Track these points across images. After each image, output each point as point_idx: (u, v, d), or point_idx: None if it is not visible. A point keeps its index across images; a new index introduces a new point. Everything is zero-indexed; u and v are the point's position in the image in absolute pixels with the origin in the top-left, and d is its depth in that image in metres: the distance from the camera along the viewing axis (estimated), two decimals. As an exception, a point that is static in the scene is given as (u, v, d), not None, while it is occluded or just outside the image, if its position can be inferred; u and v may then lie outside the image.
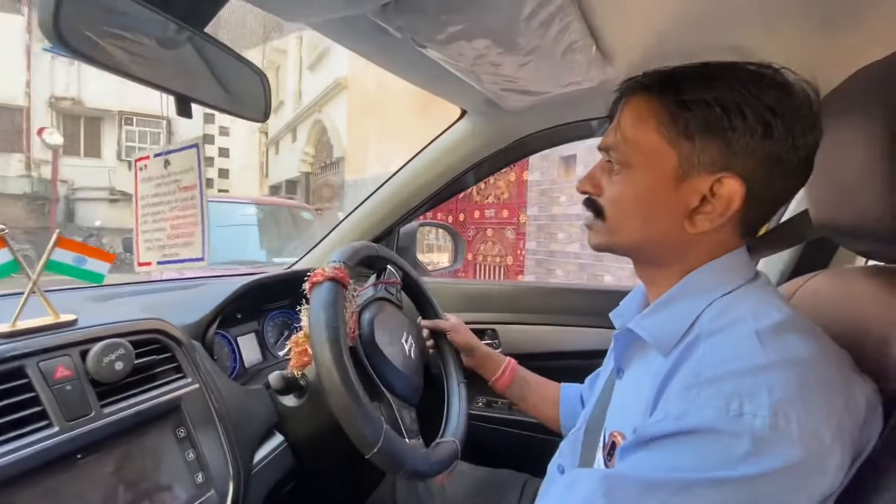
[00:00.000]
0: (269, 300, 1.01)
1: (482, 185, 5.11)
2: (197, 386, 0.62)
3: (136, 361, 0.56)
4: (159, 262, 0.59)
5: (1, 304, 0.65)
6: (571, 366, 1.06)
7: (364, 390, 0.56)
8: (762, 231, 0.75)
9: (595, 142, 0.57)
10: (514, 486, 0.85)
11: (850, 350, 0.42)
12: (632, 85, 0.49)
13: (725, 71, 0.44)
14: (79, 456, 0.49)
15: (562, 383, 0.81)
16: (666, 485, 0.35)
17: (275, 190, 14.41)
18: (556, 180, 4.53)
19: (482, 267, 5.26)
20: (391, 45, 0.67)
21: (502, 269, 5.11)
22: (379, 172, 7.60)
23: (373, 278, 0.83)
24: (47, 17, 0.42)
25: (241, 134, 15.93)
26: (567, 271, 4.45)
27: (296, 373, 0.69)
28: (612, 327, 0.58)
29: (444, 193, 1.16)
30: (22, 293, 0.54)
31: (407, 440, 0.61)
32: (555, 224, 4.57)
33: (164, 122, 12.97)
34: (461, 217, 5.39)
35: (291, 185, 13.01)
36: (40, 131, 10.42)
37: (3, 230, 0.52)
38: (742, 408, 0.34)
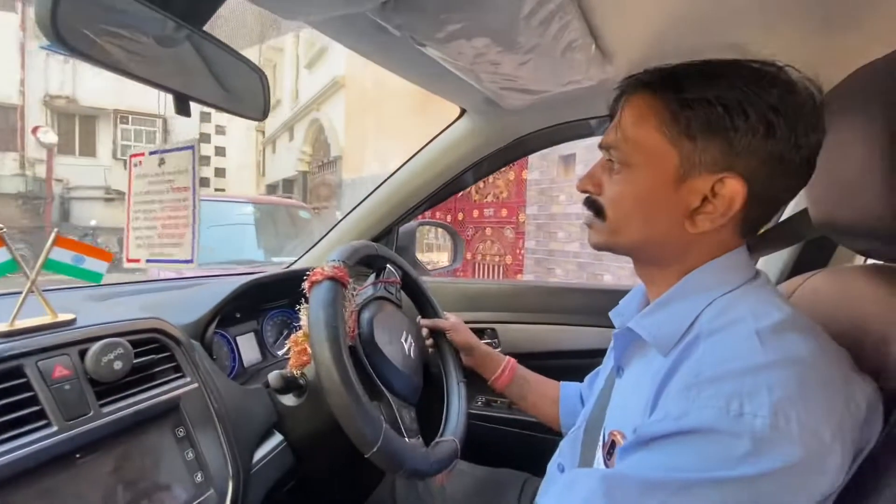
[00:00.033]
0: (268, 299, 1.01)
1: (481, 184, 5.11)
2: (196, 385, 0.62)
3: (134, 361, 0.56)
4: (148, 260, 0.59)
5: None
6: (571, 365, 1.06)
7: (363, 389, 0.56)
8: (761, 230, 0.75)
9: (594, 141, 0.57)
10: (513, 485, 0.85)
11: (850, 349, 0.42)
12: (633, 83, 0.48)
13: (727, 69, 0.44)
14: (77, 456, 0.49)
15: (561, 382, 0.82)
16: (666, 485, 0.35)
17: (272, 189, 14.40)
18: (556, 179, 4.54)
19: (481, 266, 5.26)
20: (390, 44, 0.67)
21: (501, 268, 5.11)
22: (377, 171, 7.60)
23: (372, 277, 0.83)
24: (45, 15, 0.42)
25: (237, 133, 15.90)
26: (567, 270, 4.45)
27: (295, 372, 0.69)
28: (612, 326, 0.59)
29: (443, 193, 1.16)
30: (20, 292, 0.54)
31: (406, 439, 0.61)
32: (554, 223, 4.57)
33: (160, 120, 12.95)
34: (460, 216, 5.39)
35: (288, 184, 13.00)
36: (35, 130, 10.38)
37: (2, 229, 0.52)
38: (742, 407, 0.34)
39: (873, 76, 0.45)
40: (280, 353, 0.95)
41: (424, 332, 0.87)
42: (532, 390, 0.82)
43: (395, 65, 0.81)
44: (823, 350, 0.39)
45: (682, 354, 0.42)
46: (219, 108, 0.59)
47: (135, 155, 0.60)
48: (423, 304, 0.89)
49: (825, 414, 0.35)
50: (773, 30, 0.63)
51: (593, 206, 0.51)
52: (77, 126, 12.59)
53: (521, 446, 1.06)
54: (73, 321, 0.57)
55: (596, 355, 0.74)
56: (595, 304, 1.09)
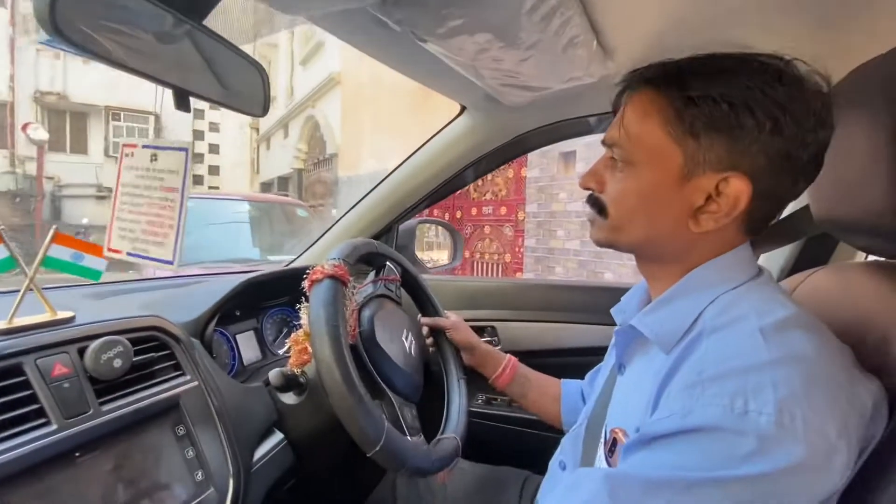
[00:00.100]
0: (267, 297, 1.01)
1: (480, 181, 5.11)
2: (196, 383, 0.62)
3: (134, 359, 0.57)
4: (129, 253, 0.59)
5: None
6: (571, 362, 1.06)
7: (365, 388, 0.57)
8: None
9: (594, 138, 0.57)
10: (514, 483, 0.86)
11: (852, 346, 0.42)
12: (636, 78, 0.48)
13: (733, 64, 0.43)
14: (77, 454, 0.49)
15: (562, 380, 0.82)
16: (671, 484, 0.35)
17: (266, 187, 14.36)
18: (556, 177, 4.54)
19: (479, 264, 5.27)
20: (391, 40, 0.68)
21: (500, 266, 5.12)
22: (373, 169, 7.59)
23: (372, 275, 0.84)
24: (43, 9, 0.42)
25: (231, 130, 15.85)
26: (567, 268, 4.46)
27: (295, 370, 0.69)
28: (613, 324, 0.59)
29: (443, 190, 1.16)
30: (18, 290, 0.54)
31: (409, 438, 0.61)
32: (554, 221, 4.58)
33: (153, 117, 12.89)
34: (458, 214, 5.39)
35: (283, 182, 12.97)
36: (25, 127, 10.32)
37: (0, 227, 0.52)
38: (747, 405, 0.34)
39: (875, 73, 0.45)
40: (281, 352, 0.96)
41: (425, 330, 0.88)
42: (533, 388, 0.83)
43: (394, 61, 0.81)
44: (828, 347, 0.40)
45: (685, 352, 0.42)
46: (218, 104, 0.59)
47: (127, 145, 0.59)
48: (423, 301, 0.90)
49: (830, 412, 0.35)
50: (775, 27, 0.64)
51: (596, 203, 0.51)
52: (68, 123, 12.52)
53: (521, 444, 1.07)
54: (72, 319, 0.57)
55: (596, 353, 0.75)
56: (595, 302, 1.10)
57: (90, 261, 0.58)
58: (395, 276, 0.84)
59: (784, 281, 0.63)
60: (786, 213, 0.79)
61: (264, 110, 0.63)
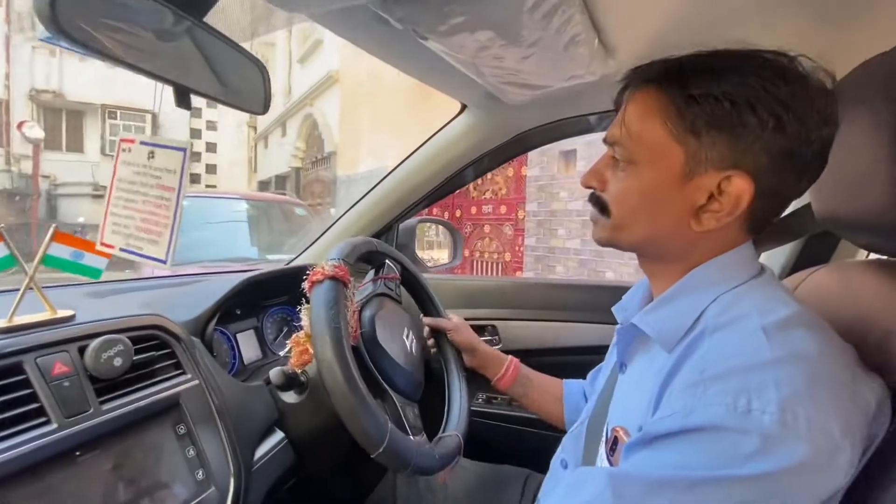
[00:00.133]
0: (268, 296, 1.01)
1: (479, 180, 5.11)
2: (197, 382, 0.62)
3: (134, 358, 0.57)
4: (122, 249, 0.59)
5: None
6: (572, 362, 1.07)
7: (367, 389, 0.57)
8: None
9: (595, 137, 0.57)
10: (515, 481, 0.86)
11: (854, 345, 0.42)
12: (638, 76, 0.47)
13: (735, 62, 0.43)
14: (77, 453, 0.49)
15: (564, 380, 0.82)
16: (674, 483, 0.35)
17: (264, 186, 14.35)
18: (556, 176, 4.55)
19: (479, 263, 5.27)
20: (392, 37, 0.68)
21: (500, 265, 5.12)
22: (372, 168, 7.59)
23: (371, 273, 0.84)
24: (44, 6, 0.42)
25: (228, 128, 15.84)
26: (567, 267, 4.47)
27: (296, 369, 0.69)
28: (614, 323, 0.59)
29: (443, 189, 1.17)
30: (18, 289, 0.54)
31: (412, 437, 0.62)
32: (555, 220, 4.59)
33: (150, 115, 12.86)
34: (458, 213, 5.40)
35: (281, 181, 12.96)
36: (20, 125, 10.28)
37: (0, 225, 0.52)
38: (750, 404, 0.34)
39: (878, 70, 0.45)
40: (282, 353, 0.96)
41: (426, 331, 0.88)
42: (535, 389, 0.83)
43: (395, 59, 0.81)
44: (830, 346, 0.40)
45: (687, 351, 0.42)
46: (219, 101, 0.59)
47: (124, 140, 0.59)
48: (423, 299, 0.90)
49: (834, 411, 0.35)
50: (778, 24, 0.64)
51: (598, 202, 0.51)
52: (64, 121, 12.50)
53: (522, 443, 1.07)
54: (72, 317, 0.57)
55: (597, 352, 0.75)
56: (596, 301, 1.10)
57: (90, 259, 0.59)
58: (395, 275, 0.84)
59: (785, 279, 0.63)
60: (787, 211, 0.80)
61: (265, 108, 0.63)
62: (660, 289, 0.50)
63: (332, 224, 1.24)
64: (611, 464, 0.49)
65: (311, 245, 1.23)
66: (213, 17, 0.56)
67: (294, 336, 0.69)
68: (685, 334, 0.44)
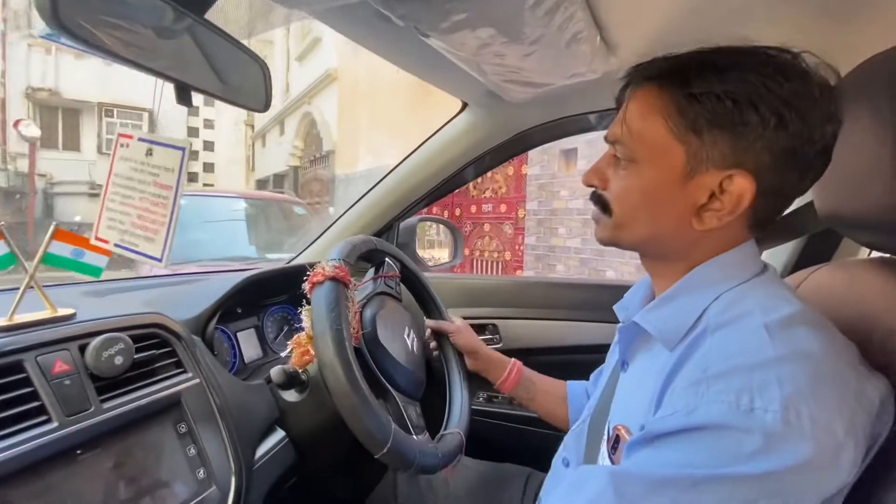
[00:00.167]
0: (268, 295, 1.01)
1: (479, 179, 5.12)
2: (198, 381, 0.62)
3: (135, 356, 0.57)
4: (116, 244, 0.59)
5: None
6: (573, 360, 1.07)
7: (370, 390, 0.57)
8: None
9: (596, 135, 0.57)
10: (516, 480, 0.86)
11: (857, 343, 0.42)
12: (639, 74, 0.47)
13: (738, 59, 0.42)
14: (78, 451, 0.50)
15: (567, 381, 0.82)
16: (676, 482, 0.35)
17: (262, 184, 14.35)
18: (557, 174, 4.55)
19: (479, 262, 5.27)
20: (393, 35, 0.68)
21: (500, 264, 5.13)
22: (371, 166, 7.59)
23: (371, 272, 0.84)
24: (45, 3, 0.42)
25: (226, 127, 15.83)
26: (568, 266, 4.48)
27: (297, 368, 0.70)
28: (615, 322, 0.59)
29: (444, 188, 1.17)
30: (18, 288, 0.54)
31: (414, 436, 0.62)
32: (555, 219, 4.59)
33: (146, 113, 12.85)
34: (457, 212, 5.40)
35: (279, 180, 12.95)
36: (16, 123, 10.27)
37: (1, 223, 0.52)
38: (753, 402, 0.34)
39: (882, 68, 0.45)
40: (283, 354, 0.96)
41: (428, 332, 0.87)
42: (539, 391, 0.82)
43: (397, 56, 0.82)
44: (834, 344, 0.39)
45: (689, 349, 0.42)
46: (220, 98, 0.59)
47: (123, 135, 0.59)
48: (424, 297, 0.90)
49: (837, 409, 0.35)
50: (781, 21, 0.64)
51: (599, 200, 0.51)
52: (60, 119, 12.48)
53: (523, 441, 1.07)
54: (72, 316, 0.57)
55: (598, 350, 0.75)
56: (597, 300, 1.10)
57: (91, 257, 0.59)
58: (395, 273, 0.84)
59: (787, 278, 0.63)
60: (789, 209, 0.80)
61: (266, 105, 0.63)
62: (662, 287, 0.50)
63: (333, 222, 1.24)
64: (612, 462, 0.49)
65: (311, 244, 1.24)
66: (212, 15, 0.57)
67: (295, 337, 0.69)
68: (687, 332, 0.44)
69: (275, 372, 0.66)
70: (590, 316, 1.10)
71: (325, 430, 0.70)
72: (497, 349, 1.12)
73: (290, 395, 0.70)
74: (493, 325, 1.16)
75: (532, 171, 4.83)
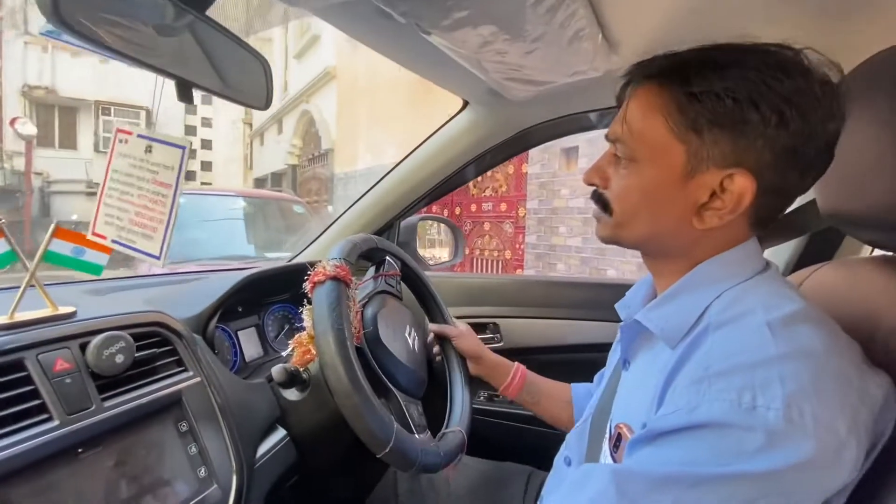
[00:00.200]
0: (269, 294, 1.02)
1: (479, 178, 5.12)
2: (199, 379, 0.63)
3: (136, 354, 0.57)
4: (113, 241, 0.59)
5: None
6: (574, 359, 1.08)
7: (372, 389, 0.58)
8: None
9: (597, 133, 0.57)
10: (518, 478, 0.86)
11: (860, 342, 0.42)
12: (639, 72, 0.47)
13: (738, 57, 0.42)
14: (79, 450, 0.50)
15: (572, 384, 0.82)
16: (679, 480, 0.35)
17: (260, 183, 14.34)
18: (558, 173, 4.55)
19: (479, 261, 5.28)
20: (395, 32, 0.68)
21: (500, 263, 5.13)
22: (370, 165, 7.58)
23: (372, 271, 0.84)
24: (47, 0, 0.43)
25: (224, 125, 15.82)
26: (569, 265, 4.48)
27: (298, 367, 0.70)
28: (616, 320, 0.59)
29: (445, 186, 1.17)
30: (19, 287, 0.54)
31: (416, 435, 0.62)
32: (556, 217, 4.60)
33: (144, 112, 12.83)
34: (457, 210, 5.40)
35: (277, 178, 12.95)
36: (13, 121, 10.25)
37: (1, 220, 0.52)
38: (755, 400, 0.35)
39: (883, 65, 0.46)
40: (284, 353, 0.96)
41: (430, 336, 0.87)
42: (544, 395, 0.82)
43: (398, 54, 0.82)
44: (836, 342, 0.40)
45: (691, 347, 0.42)
46: (221, 96, 0.59)
47: (121, 130, 0.59)
48: (424, 295, 0.90)
49: (840, 407, 0.35)
50: (783, 19, 0.64)
51: (600, 199, 0.51)
52: (57, 117, 12.47)
53: (524, 440, 1.08)
54: (73, 314, 0.58)
55: (599, 349, 0.76)
56: (599, 298, 1.11)
57: (91, 255, 0.59)
58: (396, 272, 0.84)
59: (789, 276, 0.64)
60: (791, 207, 0.81)
61: (267, 103, 0.63)
62: (663, 286, 0.50)
63: (334, 221, 1.24)
64: (614, 460, 0.49)
65: (312, 242, 1.24)
66: (212, 12, 0.57)
67: (297, 337, 0.69)
68: (689, 331, 0.44)
69: (276, 370, 0.67)
70: (591, 315, 1.11)
71: (327, 429, 0.70)
72: (498, 348, 1.13)
73: (292, 394, 0.71)
74: (494, 324, 1.16)
75: (533, 169, 4.83)
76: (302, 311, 0.66)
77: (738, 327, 0.40)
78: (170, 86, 0.55)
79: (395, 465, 0.57)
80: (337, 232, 1.22)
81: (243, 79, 0.61)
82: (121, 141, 0.59)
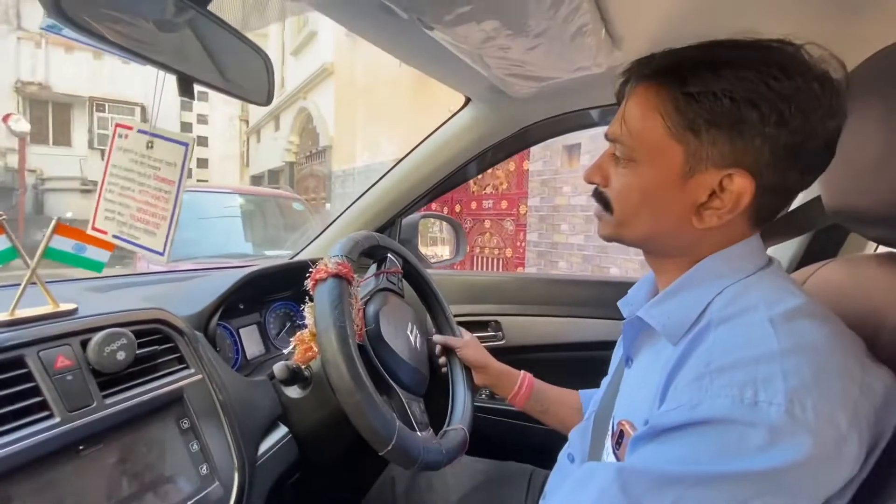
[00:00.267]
0: (270, 291, 1.02)
1: (479, 175, 5.12)
2: (200, 377, 0.63)
3: (137, 351, 0.57)
4: (115, 236, 0.59)
5: None
6: (576, 357, 1.08)
7: (374, 387, 0.58)
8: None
9: (600, 130, 0.57)
10: (520, 478, 0.86)
11: (864, 338, 0.42)
12: (637, 71, 0.47)
13: (736, 55, 0.42)
14: (80, 447, 0.50)
15: (580, 390, 0.82)
16: (682, 479, 0.35)
17: (256, 180, 14.33)
18: (560, 170, 4.55)
19: (479, 259, 5.28)
20: (397, 28, 0.68)
21: (501, 261, 5.14)
22: (369, 162, 7.58)
23: (373, 268, 0.85)
24: (48, -5, 0.43)
25: (220, 122, 15.79)
26: (571, 263, 4.48)
27: (300, 364, 0.70)
28: (619, 318, 0.59)
29: (446, 184, 1.17)
30: (19, 284, 0.55)
31: (419, 433, 0.63)
32: (558, 215, 4.59)
33: (139, 108, 12.81)
34: (457, 208, 5.41)
35: (274, 176, 12.95)
36: (6, 118, 10.21)
37: (2, 217, 0.53)
38: (757, 395, 0.35)
39: (890, 61, 0.46)
40: (286, 351, 0.97)
41: (438, 349, 0.87)
42: (553, 403, 0.81)
43: (399, 49, 0.82)
44: (838, 337, 0.40)
45: (693, 343, 0.42)
46: (222, 91, 0.59)
47: (121, 125, 0.59)
48: (426, 293, 0.90)
49: (841, 402, 0.36)
50: (787, 15, 0.64)
51: (601, 198, 0.51)
52: (51, 114, 12.45)
53: (525, 439, 1.08)
54: (74, 311, 0.58)
55: (601, 347, 0.76)
56: (601, 296, 1.11)
57: (92, 252, 0.59)
58: (397, 269, 0.85)
59: (793, 274, 0.64)
60: (795, 205, 0.81)
61: (268, 99, 0.63)
62: (665, 283, 0.50)
63: (336, 218, 1.25)
64: (617, 457, 0.50)
65: (314, 240, 1.24)
66: (212, 8, 0.57)
67: (298, 334, 0.70)
68: (691, 327, 0.44)
69: (278, 368, 0.67)
70: (593, 312, 1.11)
71: (328, 427, 0.70)
72: (499, 346, 1.14)
73: (293, 392, 0.71)
74: (496, 322, 1.17)
75: (534, 166, 4.83)
76: (304, 309, 0.67)
77: (741, 323, 0.40)
78: (166, 82, 0.55)
79: (398, 462, 0.58)
80: (339, 229, 1.22)
81: (244, 74, 0.62)
82: (120, 136, 0.59)
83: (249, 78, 0.62)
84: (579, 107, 1.03)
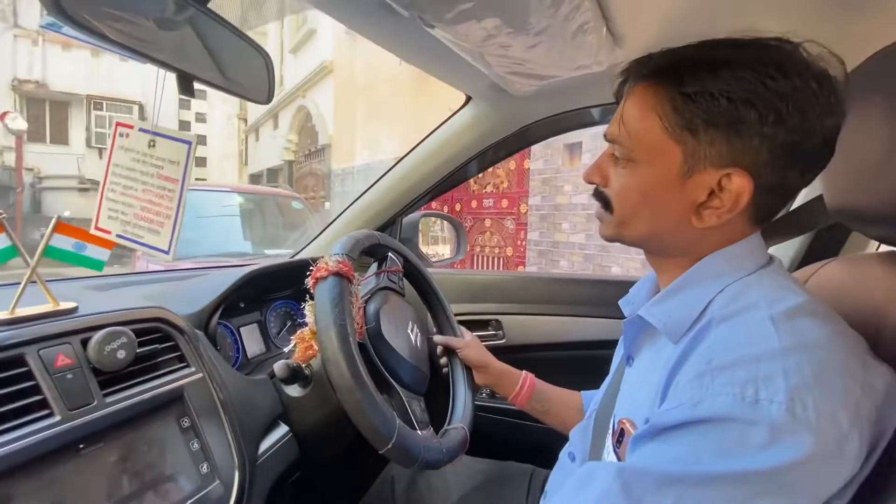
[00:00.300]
0: (271, 290, 1.02)
1: (480, 174, 5.12)
2: (201, 375, 0.63)
3: (138, 350, 0.57)
4: (119, 235, 0.59)
5: None
6: (577, 356, 1.08)
7: (374, 385, 0.58)
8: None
9: (601, 129, 0.57)
10: (520, 477, 0.87)
11: (866, 337, 0.42)
12: (635, 71, 0.48)
13: (734, 54, 0.42)
14: (81, 446, 0.50)
15: (582, 391, 0.82)
16: (683, 478, 0.36)
17: (255, 179, 14.33)
18: (561, 169, 4.55)
19: (479, 258, 5.29)
20: (397, 25, 0.68)
21: (501, 260, 5.14)
22: (368, 161, 7.57)
23: (374, 267, 0.85)
24: (48, -8, 0.43)
25: (218, 121, 15.78)
26: (572, 262, 4.49)
27: (301, 363, 0.71)
28: (620, 317, 0.60)
29: (447, 183, 1.18)
30: (19, 283, 0.55)
31: (419, 432, 0.63)
32: (559, 214, 4.60)
33: (137, 106, 12.80)
34: (457, 207, 5.41)
35: (273, 174, 12.95)
36: (3, 116, 10.22)
37: (2, 215, 0.53)
38: (758, 394, 0.35)
39: (892, 59, 0.46)
40: (286, 349, 0.97)
41: (439, 349, 0.87)
42: (554, 403, 0.81)
43: (400, 48, 0.82)
44: (840, 335, 0.40)
45: (694, 341, 0.42)
46: (222, 90, 0.60)
47: (122, 124, 0.59)
48: (426, 292, 0.91)
49: (842, 400, 0.36)
50: (788, 13, 0.64)
51: (601, 197, 0.51)
52: (48, 112, 12.42)
53: (525, 438, 1.08)
54: (74, 309, 0.58)
55: (602, 346, 0.76)
56: (602, 295, 1.11)
57: (93, 251, 0.59)
58: (398, 267, 0.85)
59: (795, 273, 0.64)
60: (796, 204, 0.81)
61: (269, 97, 0.64)
62: (666, 282, 0.51)
63: (336, 217, 1.25)
64: (617, 456, 0.50)
65: (314, 238, 1.24)
66: (212, 6, 0.57)
67: (299, 332, 0.70)
68: (692, 325, 0.44)
69: (278, 367, 0.67)
70: (594, 311, 1.11)
71: (329, 426, 0.71)
72: (500, 345, 1.14)
73: (294, 391, 0.71)
74: (497, 321, 1.17)
75: (535, 165, 4.83)
76: (304, 307, 0.67)
77: (742, 321, 0.41)
78: (166, 81, 0.55)
79: (398, 461, 0.58)
80: (339, 228, 1.23)
81: (244, 72, 0.62)
82: (121, 135, 0.59)
83: (250, 76, 0.62)
84: (580, 105, 1.04)
